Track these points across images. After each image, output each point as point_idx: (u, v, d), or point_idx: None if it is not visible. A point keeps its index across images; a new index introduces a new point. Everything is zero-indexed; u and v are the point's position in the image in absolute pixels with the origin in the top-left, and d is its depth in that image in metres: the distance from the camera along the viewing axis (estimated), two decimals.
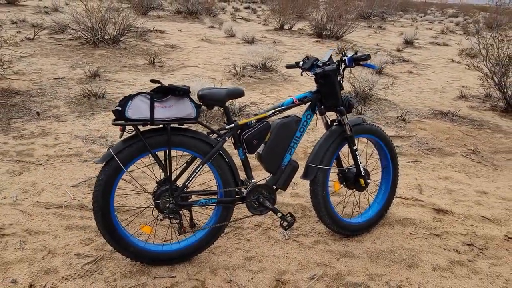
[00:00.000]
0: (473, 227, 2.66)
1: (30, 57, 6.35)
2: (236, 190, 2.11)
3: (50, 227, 2.32)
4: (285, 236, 2.42)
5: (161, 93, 1.87)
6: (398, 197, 2.95)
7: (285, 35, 12.19)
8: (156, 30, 10.31)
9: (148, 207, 2.51)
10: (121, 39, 7.64)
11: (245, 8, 24.42)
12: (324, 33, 11.96)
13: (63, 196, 2.66)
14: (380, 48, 11.04)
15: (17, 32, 8.48)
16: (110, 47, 7.26)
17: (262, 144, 2.14)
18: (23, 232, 2.26)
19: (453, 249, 2.41)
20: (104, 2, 8.70)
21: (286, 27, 13.53)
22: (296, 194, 2.91)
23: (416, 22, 24.09)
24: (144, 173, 2.96)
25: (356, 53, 2.14)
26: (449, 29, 18.96)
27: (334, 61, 2.21)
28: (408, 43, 12.30)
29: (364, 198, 2.84)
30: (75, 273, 1.97)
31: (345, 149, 2.38)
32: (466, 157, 3.80)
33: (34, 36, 7.77)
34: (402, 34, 13.76)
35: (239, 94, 2.03)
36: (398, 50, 10.86)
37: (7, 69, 4.90)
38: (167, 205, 1.95)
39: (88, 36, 7.29)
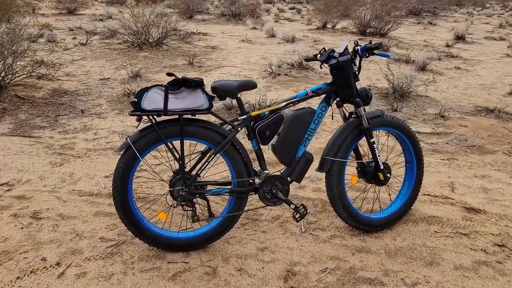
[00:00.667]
0: (508, 227, 2.49)
1: (81, 60, 6.83)
2: (250, 180, 2.14)
3: (81, 213, 2.50)
4: (301, 229, 2.41)
5: (176, 85, 1.95)
6: (426, 195, 2.82)
7: (327, 33, 12.04)
8: (199, 32, 10.63)
9: (164, 194, 2.60)
10: (164, 41, 7.98)
11: (290, 9, 24.40)
12: (368, 30, 11.64)
13: (96, 185, 2.85)
14: (428, 44, 10.54)
15: (73, 38, 9.17)
16: (153, 49, 7.62)
17: (276, 136, 2.16)
18: (57, 217, 2.46)
19: (481, 249, 2.27)
20: (149, 7, 9.14)
21: (328, 26, 13.35)
22: (318, 189, 2.88)
23: (472, 16, 22.66)
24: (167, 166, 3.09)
25: (370, 43, 2.10)
26: (509, 22, 17.62)
27: (350, 52, 2.18)
28: (460, 38, 11.60)
29: (390, 194, 2.75)
30: (97, 255, 2.12)
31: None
32: (509, 155, 3.54)
33: (87, 41, 8.35)
34: (453, 29, 13.02)
35: (251, 86, 2.07)
36: (448, 46, 10.30)
37: (58, 71, 5.32)
38: (180, 192, 2.03)
39: (134, 40, 7.70)
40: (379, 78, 6.19)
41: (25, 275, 1.96)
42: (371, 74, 6.67)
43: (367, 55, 2.09)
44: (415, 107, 4.85)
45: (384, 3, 13.77)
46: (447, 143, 3.80)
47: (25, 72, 4.78)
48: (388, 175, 2.35)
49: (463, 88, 6.06)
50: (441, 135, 3.98)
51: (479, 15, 23.86)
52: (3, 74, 4.54)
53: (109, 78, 5.76)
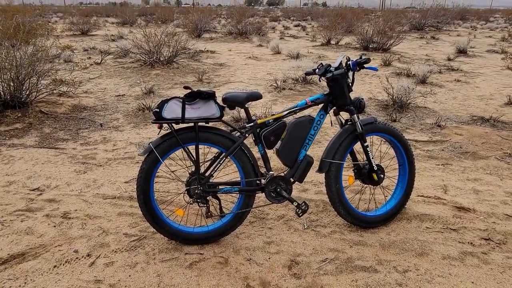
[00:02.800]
0: (495, 224, 2.71)
1: (97, 79, 7.24)
2: (257, 181, 2.41)
3: (106, 213, 2.79)
4: (304, 226, 2.66)
5: (191, 97, 2.25)
6: (420, 196, 3.06)
7: (331, 49, 12.41)
8: (207, 50, 11.07)
9: (181, 193, 2.88)
10: (174, 60, 8.39)
11: (295, 26, 25.01)
12: (370, 46, 11.99)
13: (117, 189, 3.14)
14: (430, 58, 10.83)
15: (87, 57, 9.64)
16: (164, 67, 8.02)
17: (279, 141, 2.44)
18: (85, 216, 2.74)
19: (468, 242, 2.49)
20: (160, 27, 9.61)
21: (332, 42, 13.75)
22: (320, 191, 3.14)
23: (475, 30, 22.99)
24: (186, 171, 3.38)
25: (360, 58, 2.38)
26: None
27: (344, 66, 2.47)
28: (461, 52, 11.90)
29: (386, 196, 2.98)
30: (122, 247, 2.39)
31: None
32: (500, 160, 3.76)
33: (101, 60, 8.80)
34: (455, 43, 13.32)
35: (257, 97, 2.36)
36: (449, 59, 10.58)
37: (77, 89, 5.70)
38: (196, 191, 2.31)
39: (146, 58, 8.12)
40: (380, 91, 6.47)
41: (61, 264, 2.23)
42: (373, 88, 6.96)
43: (358, 68, 2.38)
44: (413, 118, 5.11)
45: (387, 19, 14.18)
46: (442, 150, 4.04)
47: (48, 90, 5.16)
48: (382, 175, 2.60)
49: (461, 99, 6.30)
50: (437, 143, 4.22)
51: (482, 29, 24.18)
52: (27, 92, 4.92)
53: (124, 95, 6.13)
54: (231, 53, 11.29)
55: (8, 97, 4.74)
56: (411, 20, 21.91)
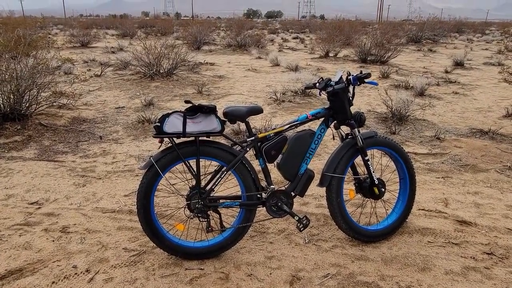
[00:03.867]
0: (496, 238, 2.69)
1: (97, 91, 7.26)
2: (257, 195, 2.40)
3: (105, 227, 2.76)
4: (305, 240, 2.64)
5: (193, 111, 2.25)
6: (421, 209, 3.05)
7: (330, 62, 12.50)
8: (206, 62, 11.14)
9: (182, 207, 2.86)
10: (174, 72, 8.43)
11: (294, 38, 25.25)
12: (368, 58, 12.09)
13: (117, 203, 3.12)
14: (427, 71, 10.92)
15: (87, 70, 9.69)
16: (164, 80, 8.06)
17: (280, 155, 2.43)
18: (84, 231, 2.72)
19: (471, 257, 2.47)
20: (160, 40, 9.68)
21: (331, 54, 13.86)
22: (321, 205, 3.12)
23: (472, 43, 23.24)
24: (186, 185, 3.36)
25: (361, 73, 2.40)
26: (508, 48, 18.07)
27: (344, 80, 2.48)
28: (458, 64, 12.00)
29: (387, 210, 2.97)
30: (122, 263, 2.36)
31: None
32: (500, 173, 3.76)
33: (101, 73, 8.84)
34: (452, 56, 13.45)
35: (258, 111, 2.36)
36: (446, 72, 10.67)
37: (77, 101, 5.70)
38: (196, 205, 2.29)
39: (146, 71, 8.16)
40: (379, 104, 6.50)
41: (59, 280, 2.20)
42: (372, 100, 6.99)
43: (358, 83, 2.39)
44: (412, 130, 5.12)
45: (385, 31, 14.33)
46: (442, 162, 4.04)
47: (48, 102, 5.16)
48: (383, 189, 2.60)
49: (460, 111, 6.33)
50: (436, 156, 4.23)
51: (478, 42, 24.46)
52: (27, 104, 4.92)
53: (123, 107, 6.14)
54: (230, 65, 11.36)
55: (8, 109, 4.74)
56: (408, 32, 22.17)
